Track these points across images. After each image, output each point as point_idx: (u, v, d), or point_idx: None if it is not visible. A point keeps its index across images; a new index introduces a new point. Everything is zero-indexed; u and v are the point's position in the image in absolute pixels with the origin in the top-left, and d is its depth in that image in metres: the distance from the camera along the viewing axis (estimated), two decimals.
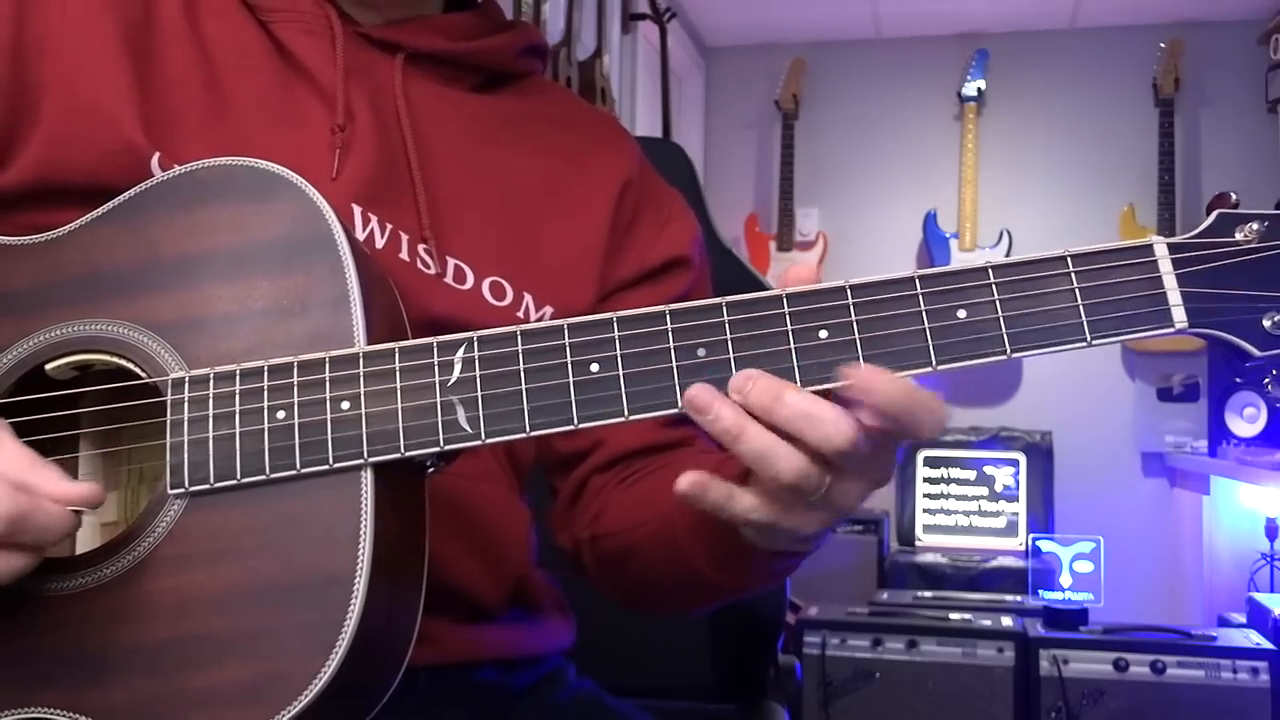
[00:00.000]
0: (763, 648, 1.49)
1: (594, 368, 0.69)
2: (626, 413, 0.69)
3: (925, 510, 4.35)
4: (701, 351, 0.68)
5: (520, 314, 0.93)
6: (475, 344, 0.70)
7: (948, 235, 4.56)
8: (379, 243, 0.88)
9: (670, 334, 0.69)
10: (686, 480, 0.69)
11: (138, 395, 0.73)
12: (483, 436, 0.69)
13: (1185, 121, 4.41)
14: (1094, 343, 0.67)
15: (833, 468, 0.67)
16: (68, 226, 0.77)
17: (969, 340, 0.67)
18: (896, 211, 4.68)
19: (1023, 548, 4.17)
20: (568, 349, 0.69)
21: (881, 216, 4.71)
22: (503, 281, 0.93)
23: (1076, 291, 0.67)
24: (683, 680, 1.47)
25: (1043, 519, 4.29)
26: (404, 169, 0.91)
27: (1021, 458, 4.33)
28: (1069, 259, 0.68)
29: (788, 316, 0.68)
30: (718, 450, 0.96)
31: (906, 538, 4.33)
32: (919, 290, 0.68)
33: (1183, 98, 4.38)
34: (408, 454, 0.69)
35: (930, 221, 4.59)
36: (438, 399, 0.69)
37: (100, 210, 0.77)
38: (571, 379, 0.69)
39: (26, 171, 0.83)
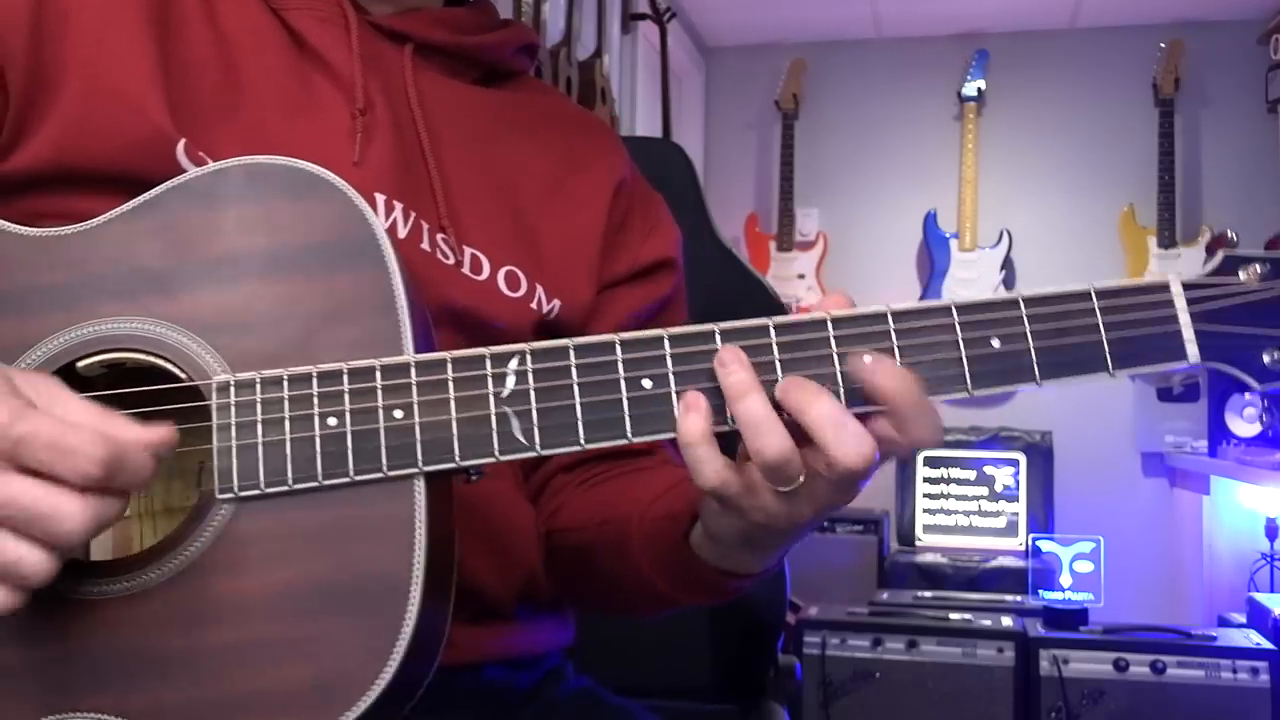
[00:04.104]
0: (763, 648, 1.49)
1: (646, 383, 0.70)
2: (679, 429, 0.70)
3: (925, 510, 4.35)
4: None
5: (534, 305, 0.94)
6: (528, 356, 0.70)
7: (948, 235, 4.56)
8: (401, 232, 0.88)
9: (717, 354, 0.70)
10: (692, 394, 0.69)
11: (175, 396, 0.72)
12: (538, 448, 0.70)
13: (1185, 121, 4.41)
14: (1115, 374, 0.71)
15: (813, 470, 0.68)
16: (97, 220, 0.75)
17: (1003, 368, 0.71)
18: (896, 211, 4.68)
19: (1023, 548, 4.17)
20: (620, 364, 0.70)
21: (881, 216, 4.71)
22: (517, 272, 0.94)
23: (1100, 325, 0.71)
24: (683, 680, 1.47)
25: (1043, 519, 4.29)
26: (419, 158, 0.91)
27: (1021, 458, 4.33)
28: (1093, 294, 0.71)
29: (832, 339, 0.70)
30: (681, 462, 0.97)
31: (906, 538, 4.33)
32: (956, 319, 0.70)
33: (1183, 98, 4.38)
34: (463, 464, 0.69)
35: (930, 221, 4.59)
36: (492, 410, 0.70)
37: (132, 204, 0.75)
38: (625, 394, 0.70)
39: (42, 155, 0.81)
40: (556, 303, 0.95)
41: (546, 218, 0.98)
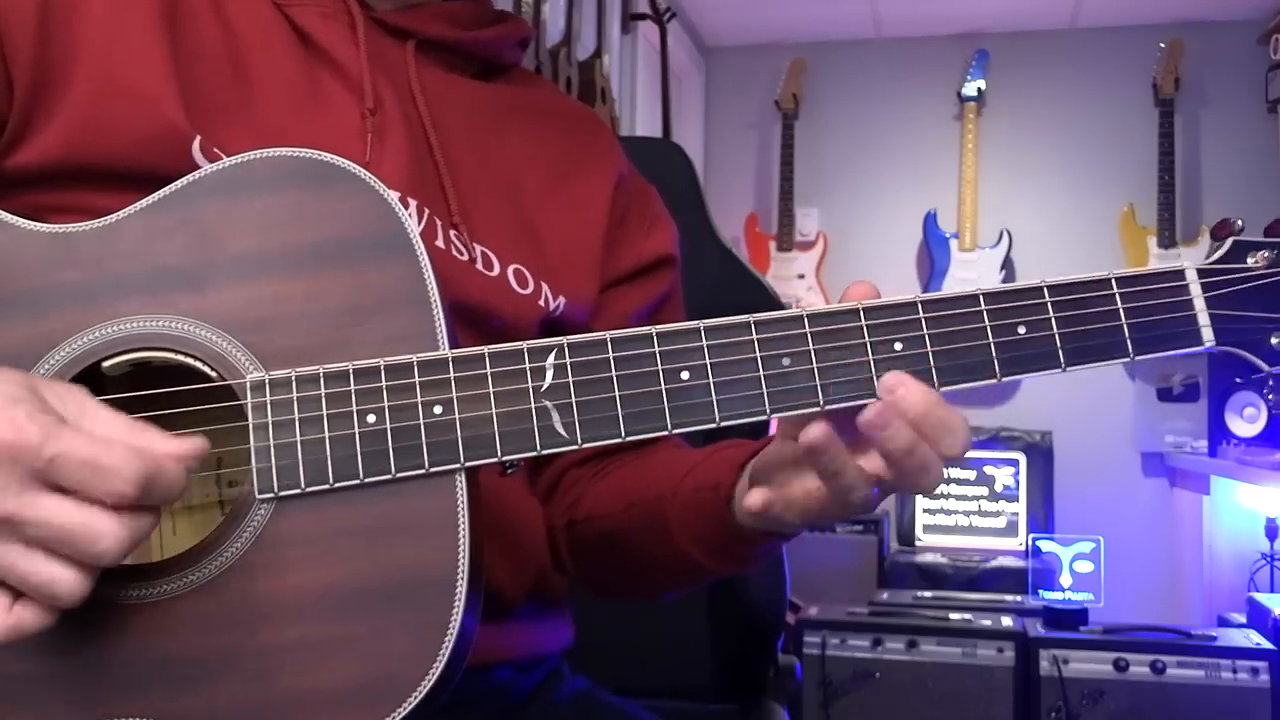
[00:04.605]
0: (763, 648, 1.49)
1: (684, 375, 0.71)
2: (718, 419, 0.71)
3: (925, 510, 4.35)
4: (786, 361, 0.71)
5: (541, 303, 0.94)
6: (566, 350, 0.71)
7: (948, 235, 4.56)
8: (417, 229, 0.87)
9: (756, 344, 0.71)
10: (819, 429, 0.70)
11: (202, 395, 0.71)
12: (579, 441, 0.70)
13: (1185, 121, 4.41)
14: (1136, 358, 0.73)
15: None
16: (116, 215, 0.73)
17: (1029, 354, 0.72)
18: (896, 211, 4.68)
19: (1023, 548, 4.17)
20: (658, 356, 0.71)
21: (881, 216, 4.71)
22: (524, 269, 0.93)
23: (1121, 311, 0.73)
24: (683, 680, 1.47)
25: (1043, 519, 4.29)
26: (428, 155, 0.91)
27: (1021, 458, 4.33)
28: (1113, 281, 0.73)
29: (865, 329, 0.71)
30: (691, 448, 0.98)
31: (906, 538, 4.33)
32: (983, 307, 0.72)
33: (1183, 98, 4.38)
34: (504, 458, 0.70)
35: (930, 221, 4.59)
36: (532, 404, 0.70)
37: (152, 198, 0.73)
38: (663, 386, 0.71)
39: (50, 152, 0.80)
40: (562, 300, 0.95)
41: (549, 214, 0.98)
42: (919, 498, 4.34)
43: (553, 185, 0.99)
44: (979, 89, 4.59)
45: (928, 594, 3.55)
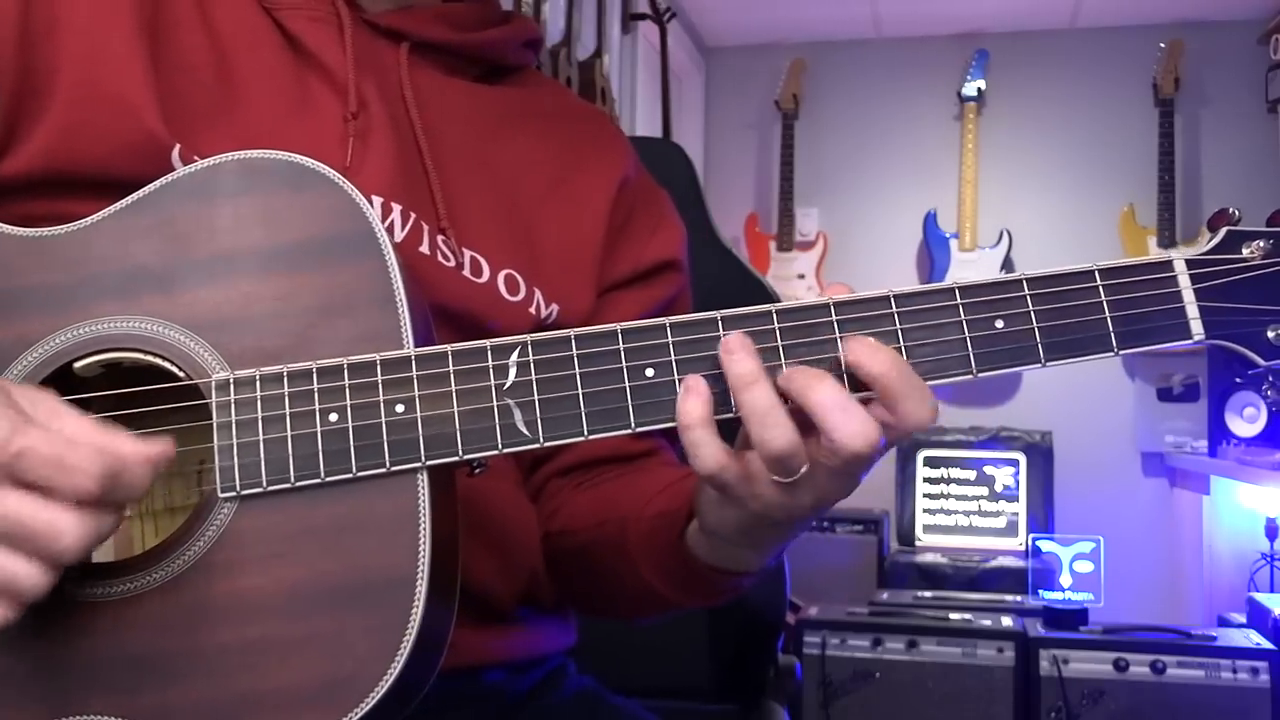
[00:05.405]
0: (763, 648, 1.49)
1: (649, 372, 0.70)
2: None
3: (925, 510, 4.34)
4: None
5: (532, 310, 0.93)
6: (530, 348, 0.70)
7: (948, 235, 4.56)
8: (400, 234, 0.87)
9: (722, 340, 0.70)
10: (693, 378, 0.69)
11: (174, 395, 0.71)
12: (541, 440, 0.70)
13: (1185, 121, 4.41)
14: (1120, 353, 0.71)
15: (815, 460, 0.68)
16: (90, 219, 0.74)
17: (1007, 349, 0.70)
18: (896, 211, 4.68)
19: (1023, 548, 4.17)
20: (622, 353, 0.70)
21: (881, 216, 4.71)
22: (516, 275, 0.92)
23: (1105, 304, 0.71)
24: (683, 680, 1.47)
25: (1043, 519, 4.28)
26: (416, 159, 0.90)
27: (1021, 458, 4.32)
28: (1097, 273, 0.71)
29: (835, 324, 0.70)
30: (681, 463, 0.97)
31: (906, 538, 4.33)
32: (959, 300, 0.70)
33: (1183, 98, 4.38)
34: (466, 457, 0.69)
35: (930, 221, 4.59)
36: (494, 402, 0.70)
37: (126, 202, 0.74)
38: (628, 383, 0.70)
39: (34, 160, 0.80)
40: (555, 307, 0.94)
41: (547, 218, 0.96)
42: (920, 497, 4.34)
43: (553, 187, 0.98)
44: (979, 89, 4.59)
45: (928, 594, 3.55)
